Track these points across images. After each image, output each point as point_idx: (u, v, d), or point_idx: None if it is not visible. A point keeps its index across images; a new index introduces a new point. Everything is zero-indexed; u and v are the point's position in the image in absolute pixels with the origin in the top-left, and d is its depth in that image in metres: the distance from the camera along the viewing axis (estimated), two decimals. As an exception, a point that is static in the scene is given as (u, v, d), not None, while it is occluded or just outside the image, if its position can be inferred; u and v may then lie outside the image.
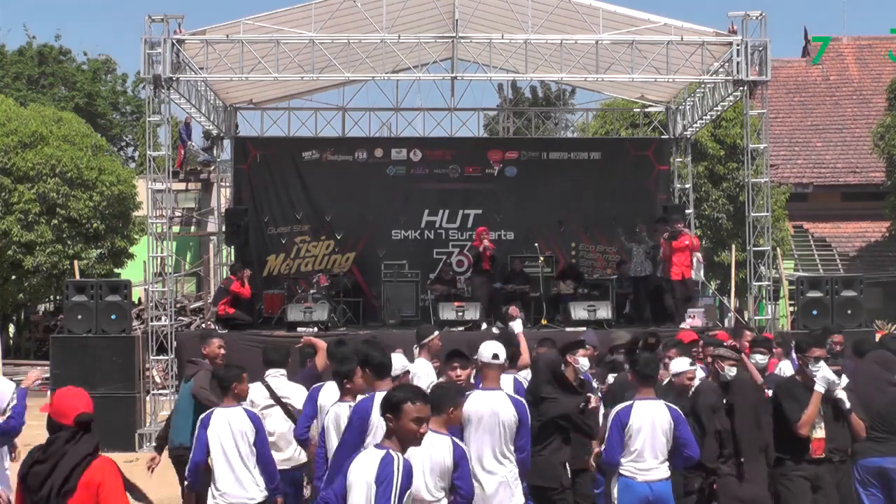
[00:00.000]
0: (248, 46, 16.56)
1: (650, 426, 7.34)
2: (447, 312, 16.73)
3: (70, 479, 5.01)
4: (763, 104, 17.57)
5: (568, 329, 15.94)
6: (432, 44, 17.52)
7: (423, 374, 8.46)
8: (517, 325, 9.42)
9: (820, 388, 7.59)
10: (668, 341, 9.88)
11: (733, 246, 22.52)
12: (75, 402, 5.19)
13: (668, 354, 9.15)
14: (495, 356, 7.23)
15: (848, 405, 7.70)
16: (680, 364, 8.18)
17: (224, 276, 19.63)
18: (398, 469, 5.03)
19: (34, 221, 24.05)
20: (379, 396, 6.58)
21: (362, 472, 5.06)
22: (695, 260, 17.17)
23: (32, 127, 24.85)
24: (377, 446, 5.21)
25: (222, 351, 9.47)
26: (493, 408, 7.03)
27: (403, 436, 5.17)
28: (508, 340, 8.33)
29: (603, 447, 7.53)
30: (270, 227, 20.86)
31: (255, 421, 7.58)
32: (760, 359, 9.10)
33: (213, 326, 17.77)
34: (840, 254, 30.15)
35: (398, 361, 7.46)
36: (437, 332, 9.41)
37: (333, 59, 16.84)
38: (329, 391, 7.84)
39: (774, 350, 9.90)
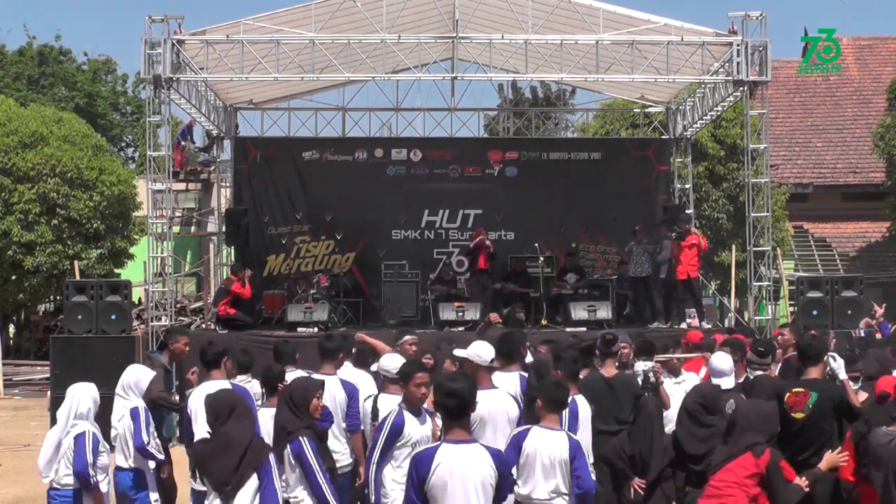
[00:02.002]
0: (248, 46, 16.57)
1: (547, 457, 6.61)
2: (447, 312, 16.73)
3: None
4: (763, 104, 17.57)
5: (568, 329, 15.94)
6: (432, 44, 17.53)
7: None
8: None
9: (844, 375, 7.54)
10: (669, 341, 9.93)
11: (733, 246, 22.49)
12: None
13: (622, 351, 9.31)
14: (493, 360, 7.43)
15: None
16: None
17: (224, 277, 19.63)
18: None
19: (34, 221, 24.04)
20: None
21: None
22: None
23: (32, 127, 24.85)
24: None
25: (188, 349, 9.64)
26: (504, 406, 7.21)
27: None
28: (511, 339, 8.48)
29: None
30: (270, 227, 20.87)
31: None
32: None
33: (213, 327, 17.79)
34: (840, 254, 30.12)
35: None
36: (408, 338, 9.66)
37: (333, 59, 16.85)
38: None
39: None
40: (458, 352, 7.72)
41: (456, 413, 5.50)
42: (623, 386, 8.56)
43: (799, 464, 7.20)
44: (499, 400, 7.18)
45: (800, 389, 7.38)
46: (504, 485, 5.53)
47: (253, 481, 5.99)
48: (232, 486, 5.95)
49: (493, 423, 7.08)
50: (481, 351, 7.36)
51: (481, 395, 7.03)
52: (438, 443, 5.58)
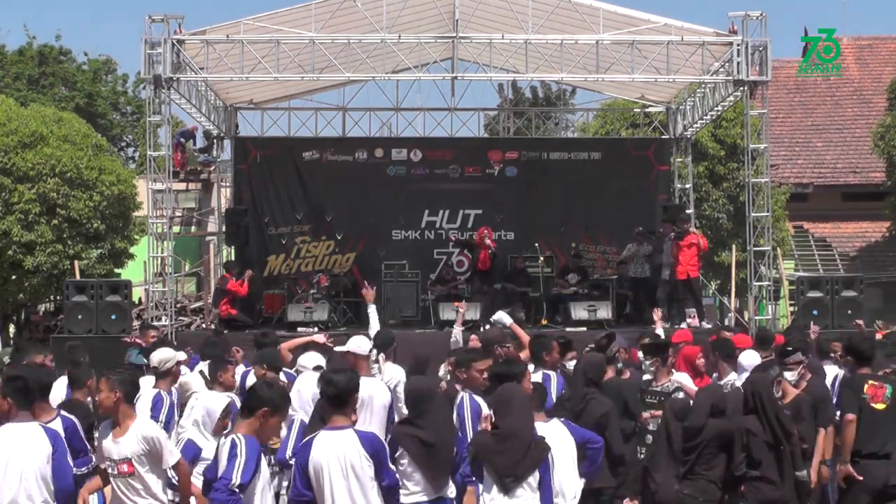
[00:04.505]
0: (248, 46, 16.58)
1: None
2: (447, 312, 16.72)
3: None
4: (763, 104, 17.57)
5: (568, 329, 15.94)
6: (432, 44, 17.53)
7: (398, 379, 8.87)
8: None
9: None
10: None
11: (733, 246, 22.47)
12: None
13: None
14: (371, 350, 8.30)
15: None
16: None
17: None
18: None
19: (34, 221, 23.95)
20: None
21: None
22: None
23: (32, 127, 24.77)
24: None
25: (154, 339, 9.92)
26: (378, 393, 7.74)
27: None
28: (491, 340, 9.21)
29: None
30: (270, 228, 20.87)
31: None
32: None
33: (213, 327, 17.79)
34: (840, 254, 30.09)
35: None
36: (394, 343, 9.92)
37: (333, 59, 16.85)
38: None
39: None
40: (338, 347, 8.41)
41: (335, 401, 5.94)
42: (614, 392, 8.31)
43: (883, 456, 7.33)
44: (374, 387, 7.73)
45: (875, 382, 7.72)
46: (383, 468, 5.88)
47: (534, 476, 6.30)
48: (514, 478, 6.29)
49: (370, 408, 7.57)
50: (361, 343, 8.10)
51: (361, 382, 7.50)
52: (318, 431, 5.99)
